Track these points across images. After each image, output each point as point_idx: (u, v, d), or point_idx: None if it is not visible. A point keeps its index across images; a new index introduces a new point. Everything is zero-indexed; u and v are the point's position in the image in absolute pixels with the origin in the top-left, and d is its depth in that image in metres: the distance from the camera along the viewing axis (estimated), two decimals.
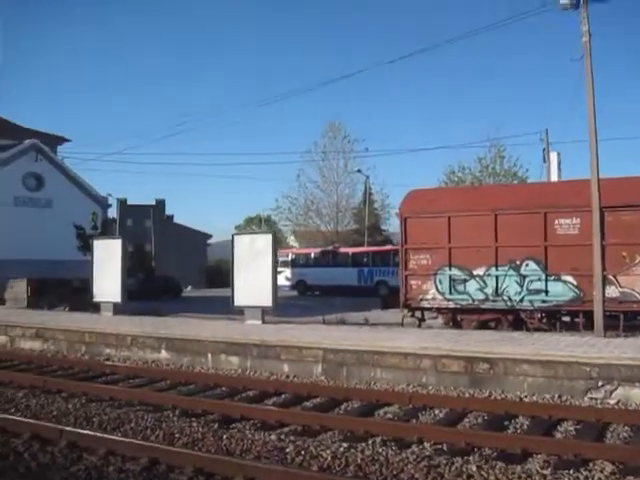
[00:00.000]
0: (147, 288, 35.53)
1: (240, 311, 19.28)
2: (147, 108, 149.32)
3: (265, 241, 18.95)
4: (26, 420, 9.17)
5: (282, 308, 19.70)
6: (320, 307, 27.45)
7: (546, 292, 17.22)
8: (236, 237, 19.92)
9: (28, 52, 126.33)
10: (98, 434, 8.38)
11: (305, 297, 40.02)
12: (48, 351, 17.15)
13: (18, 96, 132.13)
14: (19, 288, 27.19)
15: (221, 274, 75.12)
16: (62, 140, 38.94)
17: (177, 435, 8.70)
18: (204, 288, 61.50)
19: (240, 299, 19.00)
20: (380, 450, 7.78)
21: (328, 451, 7.70)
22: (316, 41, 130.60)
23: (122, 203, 67.44)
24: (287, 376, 13.20)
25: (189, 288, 50.55)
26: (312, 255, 46.06)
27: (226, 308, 22.27)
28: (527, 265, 17.44)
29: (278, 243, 19.38)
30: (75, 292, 28.05)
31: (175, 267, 59.84)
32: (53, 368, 14.68)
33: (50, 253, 30.75)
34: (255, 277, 18.65)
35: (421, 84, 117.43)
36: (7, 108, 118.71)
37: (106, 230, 29.89)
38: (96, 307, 23.01)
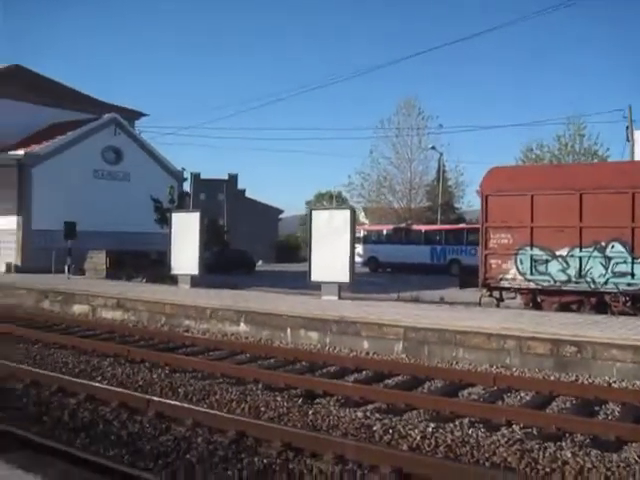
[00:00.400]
0: (221, 262, 35.91)
1: (315, 286, 19.29)
2: (219, 84, 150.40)
3: (344, 217, 18.86)
4: (113, 388, 9.34)
5: (356, 284, 19.57)
6: (393, 284, 27.29)
7: (632, 275, 16.61)
8: (314, 212, 19.89)
9: (116, 32, 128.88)
10: (185, 405, 8.47)
11: (377, 274, 39.86)
12: (129, 321, 17.48)
13: (100, 73, 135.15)
14: (98, 259, 27.79)
15: (291, 249, 75.78)
16: (139, 115, 39.48)
17: (262, 409, 8.72)
18: (274, 263, 61.96)
19: (317, 274, 18.98)
20: (469, 432, 7.62)
21: (416, 430, 7.59)
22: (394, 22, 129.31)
23: (196, 177, 68.30)
24: (367, 353, 13.12)
25: (260, 262, 50.87)
26: (384, 232, 45.74)
27: (299, 283, 22.36)
28: (613, 247, 16.85)
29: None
30: (152, 264, 28.55)
31: (246, 241, 60.35)
32: (135, 338, 14.96)
33: (128, 225, 31.34)
34: (333, 253, 18.60)
35: (499, 60, 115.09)
36: (89, 84, 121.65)
37: (182, 204, 30.25)
38: (173, 279, 23.36)
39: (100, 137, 32.56)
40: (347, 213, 19.08)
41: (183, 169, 37.16)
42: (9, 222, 29.77)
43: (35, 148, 30.31)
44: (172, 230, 22.87)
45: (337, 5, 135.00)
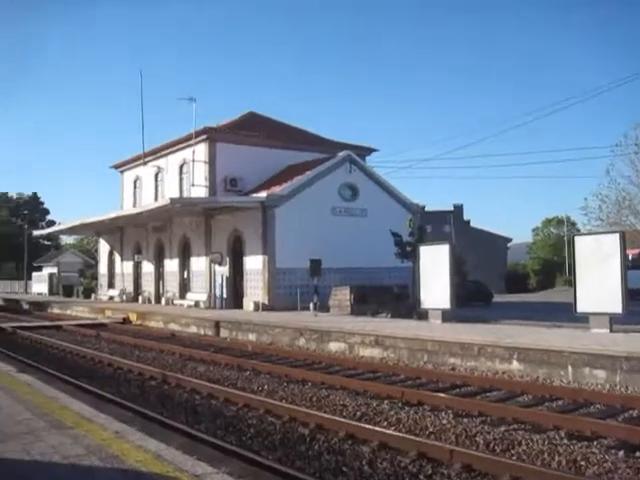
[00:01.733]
0: (460, 294, 34.78)
1: (572, 318, 17.93)
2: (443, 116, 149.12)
3: (612, 241, 17.24)
4: (409, 437, 8.65)
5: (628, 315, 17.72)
6: None
7: None
8: (577, 238, 18.53)
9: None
10: (495, 458, 7.58)
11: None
12: (388, 359, 16.95)
13: (323, 114, 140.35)
14: (342, 296, 27.83)
15: (520, 278, 73.01)
16: (370, 150, 39.80)
17: (582, 463, 7.61)
18: (504, 293, 59.65)
19: (584, 305, 17.47)
20: None
21: None
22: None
23: (421, 209, 67.78)
24: None
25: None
26: (630, 256, 42.19)
27: (549, 314, 20.82)
28: None
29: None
30: (394, 299, 28.22)
31: (474, 272, 58.61)
32: (400, 377, 14.34)
33: (367, 261, 31.35)
34: (601, 281, 17.04)
35: None
36: (315, 124, 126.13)
37: (421, 237, 29.65)
38: (419, 314, 22.76)
39: (336, 175, 32.97)
40: (616, 237, 17.42)
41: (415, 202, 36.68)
42: (256, 262, 30.81)
43: (276, 189, 31.22)
44: (420, 263, 22.29)
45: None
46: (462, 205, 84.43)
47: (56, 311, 41.48)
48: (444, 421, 9.88)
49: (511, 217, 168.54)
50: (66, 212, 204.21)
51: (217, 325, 24.21)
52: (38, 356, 18.74)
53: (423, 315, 22.76)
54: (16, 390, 9.37)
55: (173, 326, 27.07)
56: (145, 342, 21.70)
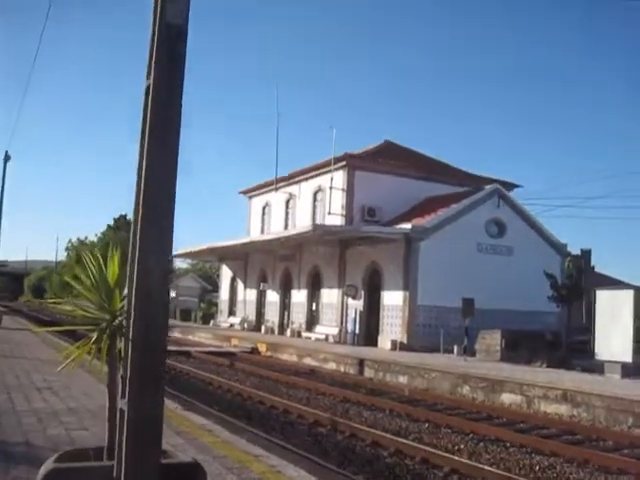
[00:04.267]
0: None
1: None
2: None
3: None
4: None
5: None
6: None
7: None
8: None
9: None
10: None
11: None
12: (580, 419, 14.61)
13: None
14: (492, 339, 25.49)
15: None
16: (513, 186, 37.36)
17: None
18: None
19: None
20: None
21: None
22: None
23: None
24: None
25: None
26: None
27: None
28: None
29: None
30: (548, 346, 25.63)
31: None
32: (609, 444, 12.05)
33: (514, 303, 28.92)
34: None
35: None
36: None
37: (579, 281, 27.06)
38: (583, 366, 20.39)
39: (483, 210, 30.82)
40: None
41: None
42: (396, 297, 28.93)
43: (421, 221, 29.36)
44: (597, 309, 19.84)
45: None
46: (590, 250, 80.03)
47: (177, 335, 40.65)
48: None
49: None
50: (184, 236, 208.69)
51: (361, 363, 22.35)
52: (177, 385, 17.44)
53: (589, 368, 20.30)
54: (199, 438, 7.74)
55: (309, 361, 25.41)
56: (286, 377, 20.09)
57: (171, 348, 29.47)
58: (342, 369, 23.19)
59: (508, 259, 30.80)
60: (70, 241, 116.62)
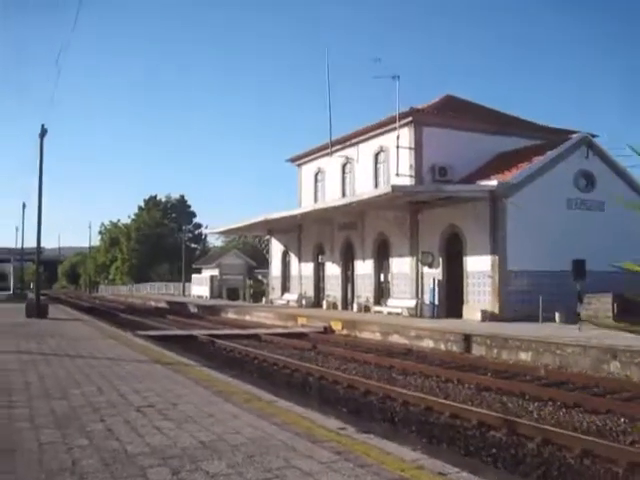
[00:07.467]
0: None
1: None
2: None
3: None
4: None
5: None
6: None
7: None
8: None
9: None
10: None
11: None
12: None
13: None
14: (600, 305, 22.70)
15: None
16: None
17: None
18: None
19: None
20: None
21: None
22: None
23: None
24: None
25: None
26: None
27: None
28: None
29: None
30: None
31: None
32: None
33: (606, 263, 25.81)
34: None
35: None
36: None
37: None
38: None
39: (570, 162, 27.75)
40: None
41: None
42: (482, 263, 26.09)
43: (505, 177, 26.42)
44: None
45: None
46: None
47: (232, 316, 38.22)
48: None
49: None
50: (211, 214, 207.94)
51: (467, 339, 19.60)
52: (272, 378, 14.91)
53: None
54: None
55: (397, 338, 22.73)
56: (390, 360, 17.46)
57: (236, 332, 27.06)
58: (442, 347, 20.48)
59: (600, 216, 27.74)
60: (103, 224, 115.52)
